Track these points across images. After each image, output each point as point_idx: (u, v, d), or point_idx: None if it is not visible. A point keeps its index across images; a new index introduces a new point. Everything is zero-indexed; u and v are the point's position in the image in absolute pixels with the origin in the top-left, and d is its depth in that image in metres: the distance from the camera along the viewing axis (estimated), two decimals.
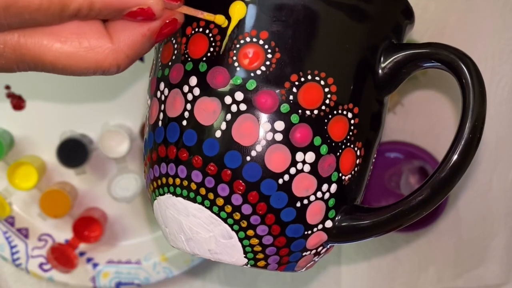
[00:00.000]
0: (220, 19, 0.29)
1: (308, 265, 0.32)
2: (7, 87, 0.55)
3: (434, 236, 0.57)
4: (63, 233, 0.57)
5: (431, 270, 0.57)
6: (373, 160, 0.32)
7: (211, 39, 0.29)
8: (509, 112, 0.55)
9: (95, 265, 0.57)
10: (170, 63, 0.30)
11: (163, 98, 0.30)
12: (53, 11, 0.25)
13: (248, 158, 0.28)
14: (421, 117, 0.55)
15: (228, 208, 0.29)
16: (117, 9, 0.26)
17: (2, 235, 0.56)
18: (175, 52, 0.30)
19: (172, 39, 0.30)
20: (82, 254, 0.57)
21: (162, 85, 0.30)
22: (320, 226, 0.30)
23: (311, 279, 0.58)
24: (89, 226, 0.55)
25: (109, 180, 0.55)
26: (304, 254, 0.30)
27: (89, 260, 0.57)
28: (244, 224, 0.29)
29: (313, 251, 0.31)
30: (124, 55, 0.27)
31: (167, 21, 0.28)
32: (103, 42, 0.27)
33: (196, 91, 0.29)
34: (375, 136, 0.31)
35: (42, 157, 0.55)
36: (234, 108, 0.28)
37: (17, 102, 0.55)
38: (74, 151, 0.53)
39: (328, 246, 0.32)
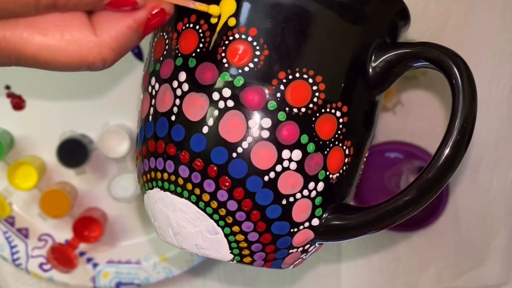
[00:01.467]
0: (214, 10, 0.28)
1: (296, 262, 0.32)
2: (7, 87, 0.55)
3: (434, 236, 0.57)
4: (63, 233, 0.57)
5: (431, 270, 0.58)
6: (365, 159, 0.32)
7: (201, 35, 0.29)
8: (509, 112, 0.55)
9: (95, 265, 0.57)
10: (161, 58, 0.30)
11: (153, 93, 0.30)
12: (27, 0, 0.24)
13: (234, 155, 0.28)
14: (421, 117, 0.55)
15: (214, 204, 0.29)
16: None
17: (2, 235, 0.56)
18: (166, 47, 0.30)
19: (164, 34, 0.30)
20: (82, 254, 0.57)
21: (153, 80, 0.31)
22: (306, 224, 0.30)
23: (311, 279, 0.59)
24: (89, 226, 0.55)
25: (109, 180, 0.55)
26: (290, 251, 0.30)
27: (89, 260, 0.57)
28: (229, 220, 0.29)
29: (300, 249, 0.31)
30: (109, 48, 0.26)
31: (154, 12, 0.27)
32: (86, 35, 0.26)
33: (185, 87, 0.29)
34: (366, 136, 0.31)
35: (42, 157, 0.56)
36: (221, 104, 0.28)
37: (17, 102, 0.55)
38: (74, 151, 0.53)
39: (316, 244, 0.31)
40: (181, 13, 0.30)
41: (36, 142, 0.56)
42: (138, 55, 0.54)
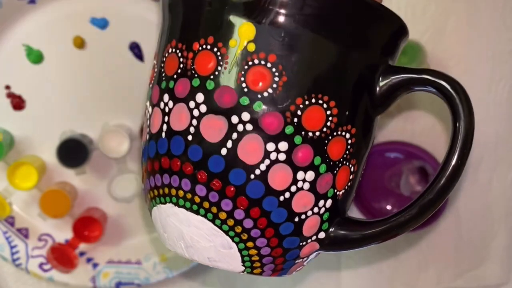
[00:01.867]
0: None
1: (298, 269, 0.34)
2: (7, 87, 0.55)
3: (434, 236, 0.57)
4: (63, 233, 0.57)
5: (431, 270, 0.58)
6: (362, 172, 0.34)
7: (219, 57, 0.29)
8: (509, 112, 0.55)
9: (95, 265, 0.57)
10: (175, 76, 0.31)
11: (167, 110, 0.31)
12: None
13: (252, 176, 0.29)
14: (421, 117, 0.55)
15: (231, 222, 0.30)
16: None
17: (2, 235, 0.56)
18: (181, 65, 0.31)
19: (177, 51, 0.31)
20: (82, 254, 0.57)
21: (166, 97, 0.31)
22: (314, 238, 0.31)
23: (311, 280, 0.59)
24: (89, 226, 0.55)
25: (109, 180, 0.55)
26: (296, 261, 0.32)
27: (89, 260, 0.57)
28: (244, 236, 0.30)
29: (305, 259, 0.33)
30: None
31: None
32: None
33: (203, 108, 0.29)
34: (366, 152, 0.33)
35: (42, 157, 0.56)
36: (240, 127, 0.29)
37: (17, 102, 0.55)
38: (74, 151, 0.54)
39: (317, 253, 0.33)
40: (195, 33, 0.30)
41: (36, 142, 0.56)
42: (138, 55, 0.54)
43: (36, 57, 0.54)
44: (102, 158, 0.56)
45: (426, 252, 0.58)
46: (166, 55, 0.32)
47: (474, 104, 0.59)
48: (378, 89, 0.31)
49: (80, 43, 0.54)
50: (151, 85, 0.33)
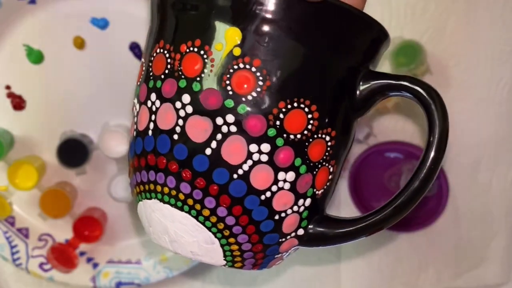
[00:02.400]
0: None
1: (277, 263, 0.35)
2: (7, 87, 0.55)
3: (434, 236, 0.57)
4: (63, 233, 0.57)
5: (431, 270, 0.58)
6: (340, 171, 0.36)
7: (206, 60, 0.30)
8: (509, 112, 0.55)
9: (95, 265, 0.57)
10: (162, 76, 0.32)
11: (154, 109, 0.32)
12: None
13: (235, 176, 0.30)
14: (421, 117, 0.55)
15: (213, 219, 0.31)
16: None
17: (2, 235, 0.56)
18: (168, 66, 0.32)
19: (165, 52, 0.32)
20: (82, 254, 0.57)
21: (153, 96, 0.32)
22: (293, 234, 0.33)
23: (311, 279, 0.59)
24: (89, 226, 0.55)
25: (109, 180, 0.56)
26: (276, 256, 0.34)
27: (89, 260, 0.57)
28: (226, 233, 0.31)
29: (284, 254, 0.34)
30: None
31: None
32: None
33: (189, 109, 0.30)
34: (345, 153, 0.34)
35: (42, 157, 0.56)
36: (224, 129, 0.30)
37: (17, 102, 0.55)
38: (74, 151, 0.54)
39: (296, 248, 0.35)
40: (183, 35, 0.31)
41: (36, 142, 0.56)
42: (138, 55, 0.54)
43: (36, 57, 0.54)
44: (102, 158, 0.56)
45: (426, 252, 0.58)
46: (154, 54, 0.33)
47: (474, 104, 0.59)
48: (358, 93, 0.32)
49: (80, 43, 0.54)
50: (138, 83, 0.34)
